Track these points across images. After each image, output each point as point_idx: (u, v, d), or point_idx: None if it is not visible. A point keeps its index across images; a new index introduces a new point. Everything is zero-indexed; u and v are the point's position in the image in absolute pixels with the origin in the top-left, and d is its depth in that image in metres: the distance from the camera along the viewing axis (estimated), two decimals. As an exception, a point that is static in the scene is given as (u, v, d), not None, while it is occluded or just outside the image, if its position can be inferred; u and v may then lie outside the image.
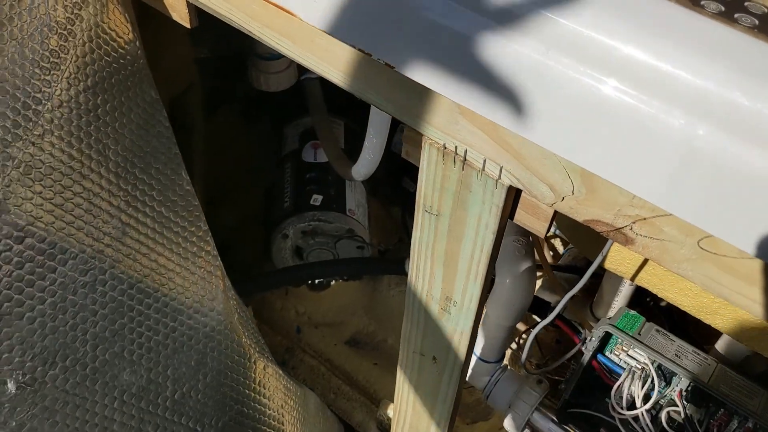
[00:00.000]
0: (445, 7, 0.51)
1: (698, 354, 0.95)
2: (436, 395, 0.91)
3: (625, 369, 0.98)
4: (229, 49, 1.49)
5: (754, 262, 0.47)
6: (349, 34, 0.57)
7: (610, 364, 1.01)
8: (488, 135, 0.55)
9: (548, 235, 0.84)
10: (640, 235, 0.51)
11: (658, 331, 0.99)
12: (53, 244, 0.67)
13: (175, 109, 1.26)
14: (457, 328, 0.77)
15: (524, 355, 1.07)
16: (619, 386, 0.98)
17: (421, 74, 0.54)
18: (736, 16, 0.46)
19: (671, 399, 0.96)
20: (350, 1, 0.55)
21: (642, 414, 0.95)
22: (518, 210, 0.61)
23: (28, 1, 0.65)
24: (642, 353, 0.96)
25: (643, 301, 1.26)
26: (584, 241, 1.03)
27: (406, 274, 1.32)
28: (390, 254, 1.67)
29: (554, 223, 0.61)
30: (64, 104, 0.68)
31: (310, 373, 1.44)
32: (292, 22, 0.61)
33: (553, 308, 1.20)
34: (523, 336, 1.40)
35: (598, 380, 1.03)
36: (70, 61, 0.69)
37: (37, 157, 0.66)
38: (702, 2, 0.47)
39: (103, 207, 0.72)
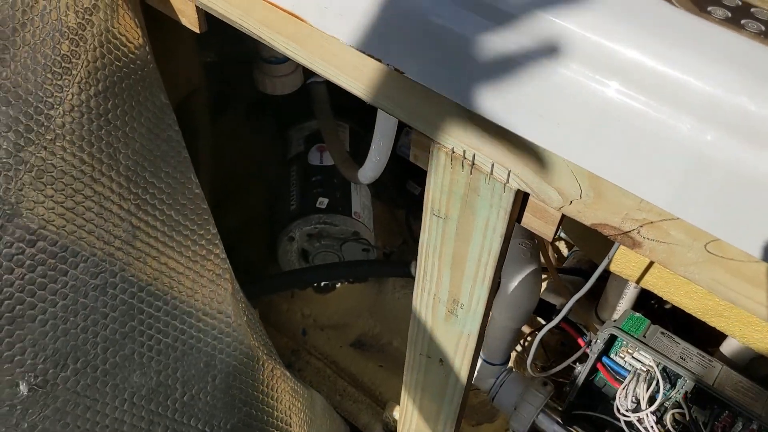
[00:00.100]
0: (453, 12, 0.52)
1: (703, 356, 0.96)
2: (443, 397, 0.92)
3: (630, 371, 0.99)
4: (235, 53, 1.49)
5: (761, 266, 0.47)
6: (358, 40, 0.57)
7: (615, 367, 1.01)
8: (496, 139, 0.56)
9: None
10: (648, 238, 0.52)
11: (663, 333, 0.99)
12: (65, 247, 0.68)
13: (181, 112, 1.26)
14: (464, 330, 0.78)
15: (530, 358, 1.07)
16: (624, 388, 0.98)
17: (430, 79, 0.54)
18: (742, 22, 0.47)
19: (676, 401, 0.97)
20: (360, 7, 0.56)
21: (647, 416, 0.96)
22: (526, 213, 0.61)
23: (41, 7, 0.66)
24: (647, 356, 0.97)
25: (648, 304, 1.26)
26: (590, 243, 1.04)
27: (411, 277, 1.33)
28: (394, 257, 1.67)
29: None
30: (75, 109, 0.69)
31: (316, 375, 1.45)
32: (302, 27, 0.61)
33: (559, 311, 1.20)
34: (528, 338, 1.41)
35: (603, 382, 1.03)
36: (81, 66, 0.69)
37: (49, 162, 0.67)
38: (709, 8, 0.48)
39: (114, 210, 0.72)
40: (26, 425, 0.67)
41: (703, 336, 1.15)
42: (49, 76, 0.66)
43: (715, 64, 0.44)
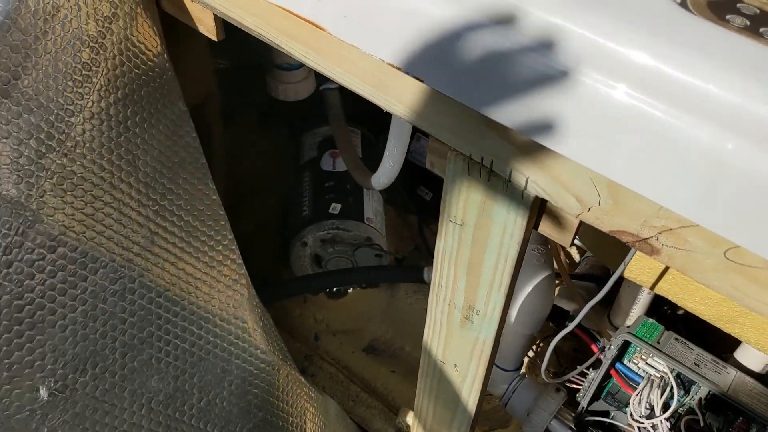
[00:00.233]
0: (473, 23, 0.52)
1: (717, 363, 0.96)
2: (457, 403, 0.92)
3: (643, 377, 0.99)
4: (248, 59, 1.50)
5: (780, 272, 0.48)
6: (378, 49, 0.58)
7: (628, 373, 1.01)
8: (514, 146, 0.56)
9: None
10: (666, 245, 0.52)
11: (677, 339, 0.99)
12: (84, 253, 0.69)
13: (194, 118, 1.27)
14: (479, 336, 0.78)
15: (544, 364, 1.07)
16: (637, 394, 0.98)
17: (450, 88, 0.55)
18: (761, 30, 0.47)
19: (690, 407, 0.97)
20: (381, 17, 0.56)
21: (661, 422, 0.96)
22: (543, 220, 0.62)
23: (62, 16, 0.66)
24: (661, 362, 0.97)
25: (660, 310, 1.26)
26: (603, 249, 1.04)
27: (424, 282, 1.33)
28: (406, 262, 1.68)
29: (574, 231, 0.62)
30: (95, 116, 0.69)
31: (329, 381, 1.45)
32: (321, 36, 0.62)
33: (572, 316, 1.20)
34: (540, 344, 1.41)
35: (617, 388, 1.03)
36: (101, 74, 0.70)
37: (69, 168, 0.67)
38: (727, 17, 0.48)
39: (133, 217, 0.73)
40: (46, 430, 0.68)
41: (716, 342, 1.15)
42: (70, 83, 0.67)
43: (734, 72, 0.44)
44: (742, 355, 1.02)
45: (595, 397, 1.05)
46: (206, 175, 0.82)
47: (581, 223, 0.58)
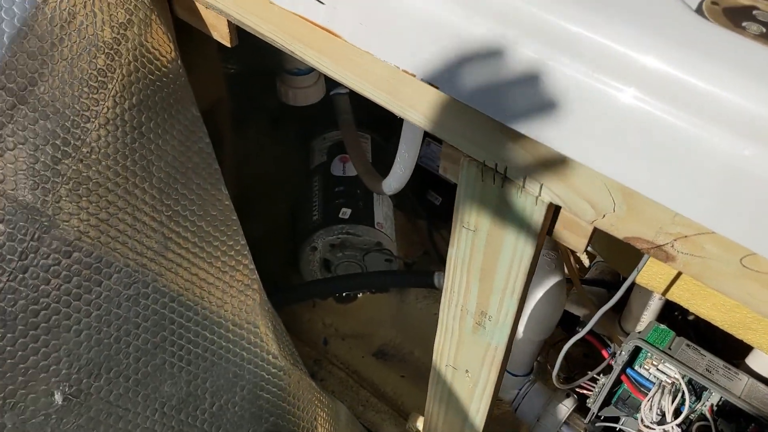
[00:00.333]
0: (487, 29, 0.52)
1: (729, 369, 0.95)
2: (468, 409, 0.92)
3: (654, 383, 0.98)
4: (258, 64, 1.51)
5: (797, 280, 0.48)
6: (393, 56, 0.58)
7: (639, 379, 1.01)
8: (529, 153, 0.56)
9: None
10: (682, 252, 0.52)
11: (688, 345, 0.99)
12: (99, 258, 0.69)
13: (204, 123, 1.28)
14: (491, 342, 0.78)
15: (555, 370, 1.07)
16: (648, 400, 0.98)
17: (464, 94, 0.55)
18: (777, 37, 0.47)
19: (702, 414, 0.96)
20: (397, 24, 0.56)
21: (672, 428, 0.95)
22: (557, 226, 0.62)
23: (78, 22, 0.67)
24: (672, 368, 0.96)
25: (671, 315, 1.26)
26: (615, 255, 1.04)
27: (434, 288, 1.33)
28: (415, 267, 1.68)
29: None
30: (110, 122, 0.70)
31: (339, 385, 1.45)
32: (335, 42, 0.62)
33: (583, 322, 1.20)
34: (550, 349, 1.41)
35: (628, 394, 1.03)
36: (116, 80, 0.70)
37: (85, 174, 0.68)
38: (743, 24, 0.48)
39: (147, 222, 0.73)
40: (60, 434, 0.68)
41: (726, 348, 1.15)
42: (86, 90, 0.67)
43: (751, 79, 0.44)
44: (753, 361, 1.02)
45: (606, 402, 1.05)
46: (219, 180, 0.83)
47: (595, 229, 0.58)
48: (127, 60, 0.71)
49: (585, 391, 1.13)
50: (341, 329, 1.58)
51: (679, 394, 0.96)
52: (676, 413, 0.96)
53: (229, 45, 0.79)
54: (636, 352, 1.00)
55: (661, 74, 0.46)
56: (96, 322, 0.70)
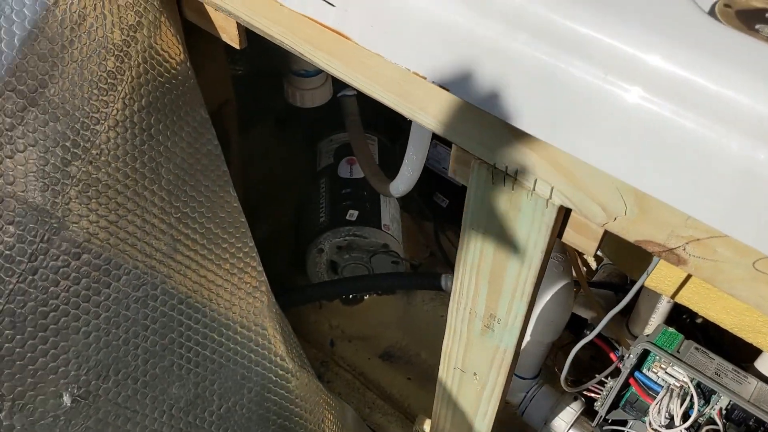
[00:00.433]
0: (499, 32, 0.52)
1: (738, 372, 0.95)
2: (476, 412, 0.92)
3: (663, 387, 0.98)
4: (265, 66, 1.51)
5: (810, 284, 0.47)
6: (404, 58, 0.58)
7: (647, 382, 1.00)
8: (540, 155, 0.56)
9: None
10: (694, 255, 0.52)
11: (697, 348, 0.98)
12: (108, 260, 0.69)
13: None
14: (500, 345, 0.78)
15: (564, 373, 1.06)
16: (657, 404, 0.97)
17: (476, 97, 0.55)
18: (791, 40, 0.47)
19: (710, 417, 0.96)
20: (407, 26, 0.56)
21: (681, 432, 0.95)
22: (567, 229, 0.61)
23: (88, 24, 0.67)
24: (681, 371, 0.96)
25: (679, 318, 1.26)
26: (623, 258, 1.03)
27: (441, 290, 1.33)
28: (422, 269, 1.68)
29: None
30: (120, 124, 0.70)
31: (346, 387, 1.45)
32: (346, 44, 0.62)
33: (590, 325, 1.20)
34: (557, 352, 1.40)
35: (636, 398, 1.02)
36: (126, 82, 0.70)
37: (94, 176, 0.68)
38: (756, 26, 0.48)
39: (156, 224, 0.73)
40: (69, 436, 0.68)
41: (735, 351, 1.14)
42: (95, 92, 0.67)
43: (765, 82, 0.44)
44: (763, 364, 1.02)
45: (614, 406, 1.05)
46: (228, 182, 0.83)
47: (606, 232, 0.58)
48: (136, 62, 0.72)
49: (593, 395, 1.13)
50: (348, 331, 1.58)
51: (688, 398, 0.95)
52: (685, 417, 0.95)
53: (238, 47, 0.79)
54: (644, 355, 0.99)
55: (672, 76, 0.46)
56: (105, 324, 0.70)
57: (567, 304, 1.05)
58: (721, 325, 0.88)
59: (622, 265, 1.11)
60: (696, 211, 0.48)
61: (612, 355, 1.12)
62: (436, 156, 1.58)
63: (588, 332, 0.97)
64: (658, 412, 0.97)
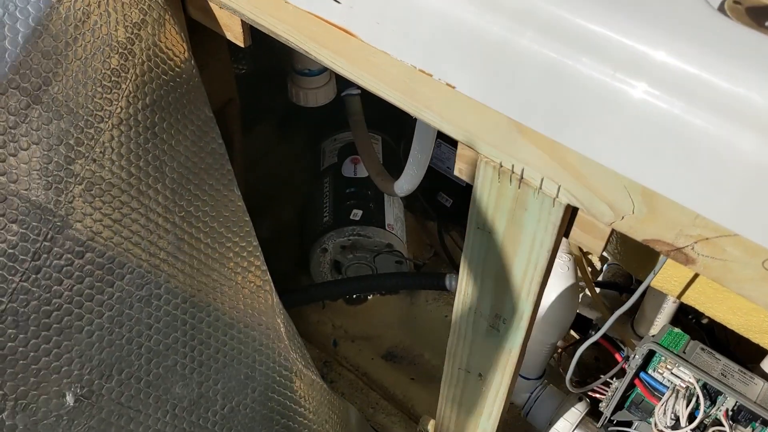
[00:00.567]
0: (505, 28, 0.52)
1: (745, 373, 0.94)
2: (480, 412, 0.91)
3: (668, 387, 0.98)
4: (269, 64, 1.50)
5: (821, 284, 0.47)
6: (410, 55, 0.58)
7: (653, 383, 1.00)
8: (547, 153, 0.55)
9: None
10: (702, 255, 0.51)
11: (703, 349, 0.98)
12: (112, 259, 0.69)
13: (215, 124, 1.28)
14: (506, 345, 0.77)
15: (569, 374, 1.06)
16: (662, 405, 0.97)
17: (483, 94, 0.54)
18: (801, 37, 0.46)
19: (716, 418, 0.95)
20: (415, 24, 0.56)
21: (687, 433, 0.95)
22: (574, 228, 0.61)
23: (92, 22, 0.67)
24: (687, 372, 0.95)
25: (684, 318, 1.25)
26: (629, 258, 1.03)
27: (445, 290, 1.33)
28: (425, 268, 1.67)
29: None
30: (124, 122, 0.70)
31: (349, 387, 1.44)
32: (352, 42, 0.62)
33: (595, 325, 1.19)
34: (562, 353, 1.40)
35: (641, 398, 1.02)
36: (130, 80, 0.70)
37: (98, 174, 0.67)
38: (766, 23, 0.48)
39: (160, 223, 0.73)
40: (72, 436, 0.68)
41: (740, 352, 1.14)
42: (99, 89, 0.67)
43: (776, 79, 0.43)
44: (769, 365, 1.01)
45: (619, 406, 1.04)
46: (232, 181, 0.82)
47: (613, 231, 0.58)
48: (140, 60, 0.71)
49: (597, 395, 1.13)
50: (351, 331, 1.58)
51: (694, 399, 0.95)
52: (691, 418, 0.95)
53: (242, 45, 0.78)
54: (650, 355, 0.99)
55: (681, 73, 0.46)
56: (108, 323, 0.69)
57: (572, 304, 1.05)
58: (728, 326, 0.87)
59: (627, 264, 1.11)
60: (705, 209, 0.47)
61: (617, 356, 1.12)
62: (440, 155, 1.58)
63: (593, 333, 0.96)
64: (664, 413, 0.97)
